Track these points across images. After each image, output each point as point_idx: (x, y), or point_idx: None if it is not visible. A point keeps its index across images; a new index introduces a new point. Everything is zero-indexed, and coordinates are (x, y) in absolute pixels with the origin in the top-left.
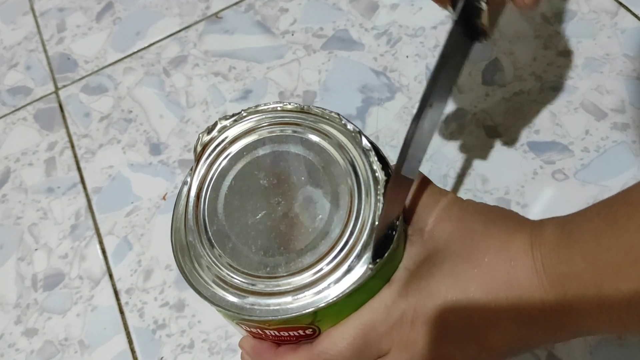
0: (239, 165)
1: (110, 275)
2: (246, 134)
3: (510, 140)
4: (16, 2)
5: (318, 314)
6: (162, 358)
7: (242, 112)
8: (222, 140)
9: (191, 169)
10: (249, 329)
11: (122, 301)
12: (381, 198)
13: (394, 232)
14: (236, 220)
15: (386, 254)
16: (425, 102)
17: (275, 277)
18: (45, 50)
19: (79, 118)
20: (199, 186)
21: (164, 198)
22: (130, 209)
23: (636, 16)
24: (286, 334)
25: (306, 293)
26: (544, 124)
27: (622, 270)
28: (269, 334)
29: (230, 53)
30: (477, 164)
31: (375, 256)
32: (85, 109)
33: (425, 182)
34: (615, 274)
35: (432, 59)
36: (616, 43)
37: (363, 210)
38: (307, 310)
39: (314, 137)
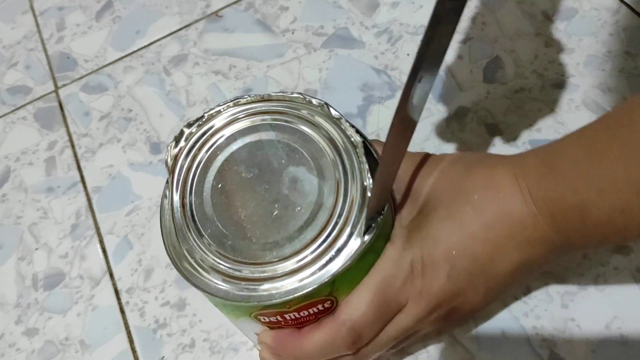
0: (216, 164)
1: (111, 275)
2: (214, 134)
3: (511, 138)
4: (15, 1)
5: (336, 282)
6: (163, 357)
7: (204, 115)
8: (192, 147)
9: (167, 182)
10: (268, 320)
11: (123, 301)
12: (363, 159)
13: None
14: (228, 219)
15: (385, 209)
16: (415, 76)
17: (284, 259)
18: (44, 49)
19: (79, 117)
20: (181, 195)
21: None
22: (131, 208)
23: (637, 13)
24: (306, 313)
25: (318, 264)
26: (545, 122)
27: (603, 192)
28: (289, 318)
29: (231, 52)
30: None
31: (376, 216)
32: (85, 108)
33: (411, 156)
34: (596, 196)
35: None
36: (618, 40)
37: (350, 175)
38: (325, 280)
39: (283, 121)
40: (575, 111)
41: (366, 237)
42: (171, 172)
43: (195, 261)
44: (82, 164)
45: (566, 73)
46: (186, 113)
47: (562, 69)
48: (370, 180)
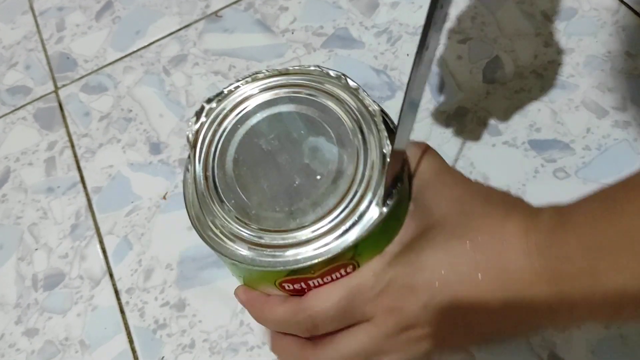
0: (237, 138)
1: (111, 275)
2: (234, 109)
3: (511, 139)
4: (15, 1)
5: (358, 246)
6: (162, 358)
7: (223, 90)
8: (213, 122)
9: (189, 157)
10: (292, 287)
11: (123, 301)
12: (382, 126)
13: (404, 159)
14: (251, 189)
15: (403, 177)
16: (424, 44)
17: (307, 226)
18: (44, 50)
19: (79, 117)
20: (204, 168)
21: (164, 197)
22: (131, 208)
23: (637, 14)
24: (329, 278)
25: (341, 229)
26: (545, 122)
27: (618, 254)
28: (312, 285)
29: (230, 52)
30: (478, 162)
31: (395, 182)
32: (85, 108)
33: (435, 160)
34: (610, 258)
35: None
36: (617, 41)
37: (369, 143)
38: (349, 244)
39: (301, 93)
40: (574, 111)
41: (387, 203)
42: (193, 146)
43: (220, 231)
44: (82, 164)
45: (566, 73)
46: (186, 113)
47: (562, 69)
48: (390, 147)
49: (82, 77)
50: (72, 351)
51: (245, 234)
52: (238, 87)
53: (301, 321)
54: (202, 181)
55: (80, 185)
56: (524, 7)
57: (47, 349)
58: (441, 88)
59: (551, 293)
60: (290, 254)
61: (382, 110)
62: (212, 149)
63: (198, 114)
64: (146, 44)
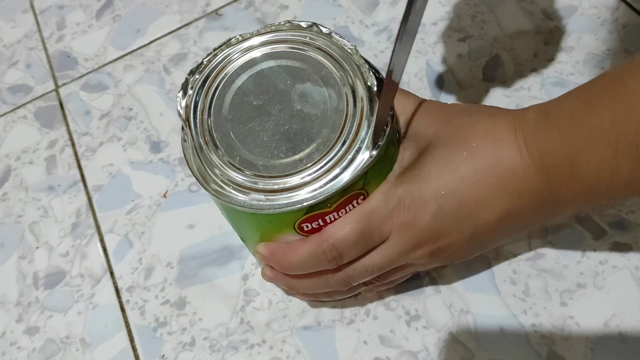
0: (227, 101)
1: (111, 273)
2: (217, 75)
3: None
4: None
5: (368, 174)
6: (163, 356)
7: (202, 61)
8: (199, 91)
9: (183, 129)
10: (310, 227)
11: (123, 299)
12: (362, 60)
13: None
14: (253, 143)
15: (393, 106)
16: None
17: (315, 163)
18: (45, 48)
19: (79, 116)
20: (202, 135)
21: (164, 196)
22: (131, 206)
23: (637, 11)
24: (344, 211)
25: (346, 159)
26: None
27: (592, 143)
28: (329, 221)
29: None
30: None
31: (387, 111)
32: (85, 106)
33: (413, 98)
34: (586, 147)
35: (433, 56)
36: (617, 38)
37: (353, 76)
38: (358, 172)
39: (278, 48)
40: None
41: (385, 129)
42: (185, 119)
43: (233, 187)
44: (82, 162)
45: (565, 71)
46: None
47: (562, 67)
48: (373, 78)
49: (83, 75)
50: (73, 349)
51: (258, 185)
52: (216, 54)
53: (326, 251)
54: (203, 147)
55: (80, 184)
56: (524, 5)
57: (48, 347)
58: (441, 86)
59: (541, 183)
60: (305, 192)
61: (356, 48)
62: (205, 116)
63: (184, 88)
64: (146, 42)
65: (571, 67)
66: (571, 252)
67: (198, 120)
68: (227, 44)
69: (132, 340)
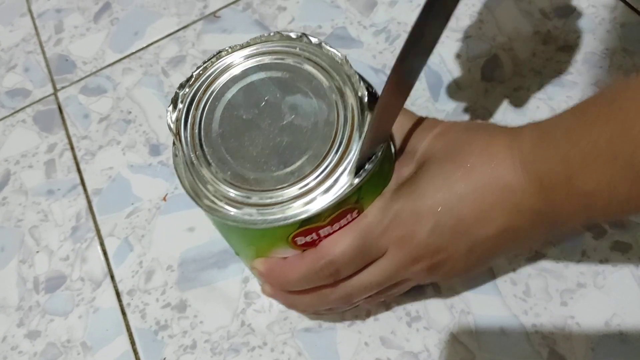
0: (217, 115)
1: (112, 277)
2: (207, 89)
3: None
4: (14, 3)
5: (362, 189)
6: (164, 359)
7: (192, 74)
8: (190, 105)
9: (174, 144)
10: (304, 241)
11: (124, 302)
12: (352, 70)
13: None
14: (244, 158)
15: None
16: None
17: (306, 177)
18: (43, 52)
19: (78, 119)
20: (193, 150)
21: (164, 199)
22: (131, 210)
23: (635, 10)
24: (338, 226)
25: (339, 174)
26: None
27: (589, 162)
28: (323, 235)
29: None
30: None
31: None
32: (84, 110)
33: (410, 115)
34: (582, 166)
35: (431, 56)
36: (616, 38)
37: (343, 88)
38: (353, 186)
39: (268, 59)
40: None
41: (381, 147)
42: (176, 133)
43: (225, 202)
44: (81, 166)
45: (564, 71)
46: None
47: (560, 67)
48: (363, 88)
49: (81, 79)
50: (74, 353)
51: (251, 200)
52: (206, 67)
53: (323, 268)
54: (194, 161)
55: (80, 188)
56: (522, 5)
57: (49, 351)
58: (440, 86)
59: (539, 201)
60: (298, 205)
61: (346, 58)
62: (196, 130)
63: (174, 102)
64: (145, 45)
65: (570, 67)
66: (571, 251)
67: (189, 134)
68: (217, 56)
69: (133, 343)
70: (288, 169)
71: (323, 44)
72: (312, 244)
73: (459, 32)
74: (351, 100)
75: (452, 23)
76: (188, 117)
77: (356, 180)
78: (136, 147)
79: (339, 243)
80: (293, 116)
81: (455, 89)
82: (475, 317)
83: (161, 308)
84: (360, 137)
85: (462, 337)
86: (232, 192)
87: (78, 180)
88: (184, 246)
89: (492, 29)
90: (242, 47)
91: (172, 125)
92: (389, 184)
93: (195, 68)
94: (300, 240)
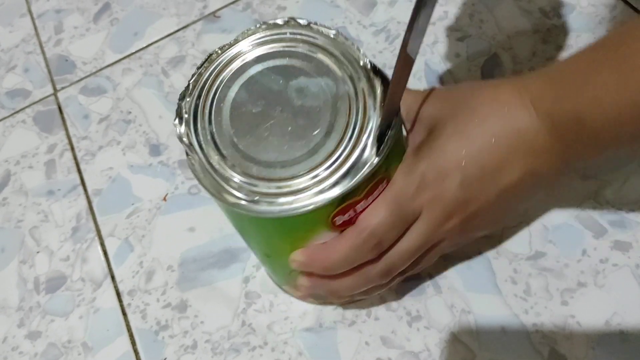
0: (226, 115)
1: (112, 277)
2: (207, 94)
3: None
4: (13, 4)
5: (389, 157)
6: (165, 359)
7: (189, 83)
8: (195, 115)
9: (187, 154)
10: (342, 220)
11: (125, 303)
12: (348, 41)
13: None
14: (266, 152)
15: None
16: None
17: (332, 153)
18: (43, 52)
19: (78, 120)
20: (211, 155)
21: (164, 199)
22: (131, 210)
23: (635, 9)
24: (371, 199)
25: (364, 144)
26: None
27: (597, 102)
28: (359, 210)
29: None
30: None
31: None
32: (84, 110)
33: (411, 91)
34: (591, 105)
35: (431, 56)
36: None
37: (344, 57)
38: (383, 153)
39: (261, 51)
40: None
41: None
42: (188, 145)
43: (261, 196)
44: (82, 166)
45: None
46: None
47: None
48: (364, 56)
49: (81, 79)
50: (74, 353)
51: (283, 189)
52: (200, 74)
53: (366, 241)
54: (216, 166)
55: (80, 188)
56: (521, 4)
57: (49, 352)
58: (439, 86)
59: (552, 140)
60: (331, 183)
61: (338, 31)
62: (209, 137)
63: (179, 114)
64: (144, 45)
65: None
66: (572, 250)
67: (202, 142)
68: (209, 59)
69: (133, 343)
70: (313, 150)
71: (312, 24)
72: (350, 222)
73: (459, 32)
74: (357, 70)
75: (452, 22)
76: (197, 126)
77: (383, 147)
78: (136, 147)
79: (375, 214)
80: (302, 98)
81: None
82: (476, 317)
83: (162, 308)
84: (374, 104)
85: (462, 336)
86: (264, 187)
87: (78, 181)
88: (185, 246)
89: (492, 28)
90: (232, 45)
91: (184, 139)
92: (406, 151)
93: (190, 76)
94: (339, 219)
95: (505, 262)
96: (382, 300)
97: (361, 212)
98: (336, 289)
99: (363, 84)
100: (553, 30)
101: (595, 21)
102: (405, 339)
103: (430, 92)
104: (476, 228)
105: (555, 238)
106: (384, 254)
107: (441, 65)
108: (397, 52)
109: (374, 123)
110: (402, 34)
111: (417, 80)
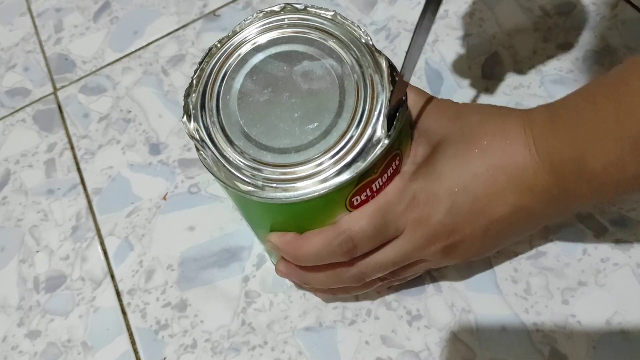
0: (233, 107)
1: (112, 276)
2: (212, 87)
3: None
4: (13, 3)
5: (401, 133)
6: (165, 358)
7: (192, 80)
8: (201, 110)
9: (197, 149)
10: (360, 200)
11: (124, 302)
12: (347, 21)
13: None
14: (278, 138)
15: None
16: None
17: (345, 133)
18: (43, 51)
19: (78, 119)
20: (223, 147)
21: (164, 198)
22: (131, 209)
23: (636, 7)
24: (386, 177)
25: (376, 119)
26: None
27: (598, 141)
28: (375, 189)
29: None
30: None
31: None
32: (84, 109)
33: (424, 94)
34: (592, 145)
35: (432, 54)
36: (616, 35)
37: (346, 38)
38: (396, 128)
39: (261, 40)
40: None
41: (403, 99)
42: (199, 139)
43: (277, 183)
44: (81, 165)
45: (565, 68)
46: None
47: (561, 65)
48: (365, 33)
49: (81, 78)
50: (74, 353)
51: (302, 173)
52: (203, 69)
53: (342, 243)
54: (230, 158)
55: (80, 187)
56: (522, 3)
57: (49, 351)
58: (440, 84)
59: (551, 180)
60: (347, 163)
61: (335, 12)
62: (219, 130)
63: (187, 111)
64: (144, 44)
65: (570, 64)
66: (572, 249)
67: (213, 135)
68: (209, 54)
69: (133, 343)
70: (326, 132)
71: (308, 8)
72: (364, 200)
73: (459, 30)
74: (359, 47)
75: (453, 21)
76: (206, 121)
77: (396, 123)
78: (136, 146)
79: (359, 220)
80: (309, 82)
81: (455, 87)
82: (476, 316)
83: (161, 307)
84: (381, 80)
85: (463, 335)
86: (279, 174)
87: (78, 180)
88: (184, 245)
89: (493, 26)
90: (230, 37)
91: (194, 134)
92: (406, 163)
93: (193, 72)
94: (357, 200)
95: (505, 261)
96: (382, 300)
97: (377, 191)
98: (309, 281)
99: (368, 62)
100: (554, 29)
101: (597, 19)
102: (405, 338)
103: (441, 102)
104: (460, 256)
105: (555, 237)
106: (358, 260)
107: (442, 64)
108: (397, 50)
109: (383, 99)
110: (402, 32)
111: (417, 79)
